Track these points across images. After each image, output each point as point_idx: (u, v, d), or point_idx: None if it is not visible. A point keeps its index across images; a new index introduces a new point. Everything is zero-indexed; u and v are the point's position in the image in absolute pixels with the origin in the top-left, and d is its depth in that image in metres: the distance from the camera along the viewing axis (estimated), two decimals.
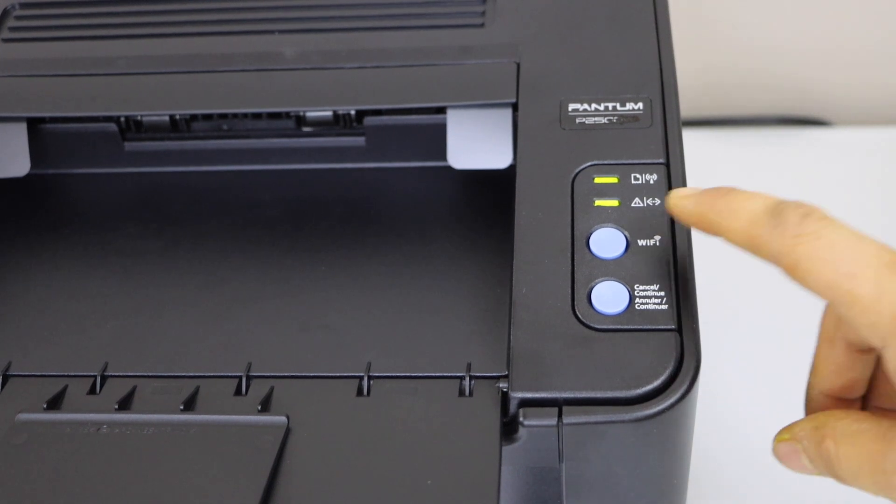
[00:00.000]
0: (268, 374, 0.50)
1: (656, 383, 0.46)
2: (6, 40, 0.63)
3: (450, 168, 0.59)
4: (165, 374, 0.50)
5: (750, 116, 0.94)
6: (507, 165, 0.58)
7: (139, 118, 0.61)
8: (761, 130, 0.93)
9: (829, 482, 0.57)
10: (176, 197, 0.61)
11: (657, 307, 0.48)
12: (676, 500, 0.51)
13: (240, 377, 0.50)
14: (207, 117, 0.61)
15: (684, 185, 0.52)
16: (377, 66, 0.59)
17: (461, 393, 0.48)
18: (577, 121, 0.55)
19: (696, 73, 0.90)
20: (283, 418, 0.47)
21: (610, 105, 0.55)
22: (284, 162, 0.62)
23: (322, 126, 0.61)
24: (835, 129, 0.93)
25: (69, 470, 0.46)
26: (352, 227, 0.58)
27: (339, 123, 0.61)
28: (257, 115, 0.61)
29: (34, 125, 0.61)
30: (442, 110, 0.59)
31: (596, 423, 0.46)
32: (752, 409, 0.69)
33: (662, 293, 0.48)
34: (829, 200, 0.83)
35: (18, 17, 0.64)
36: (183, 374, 0.50)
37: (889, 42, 0.92)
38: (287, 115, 0.61)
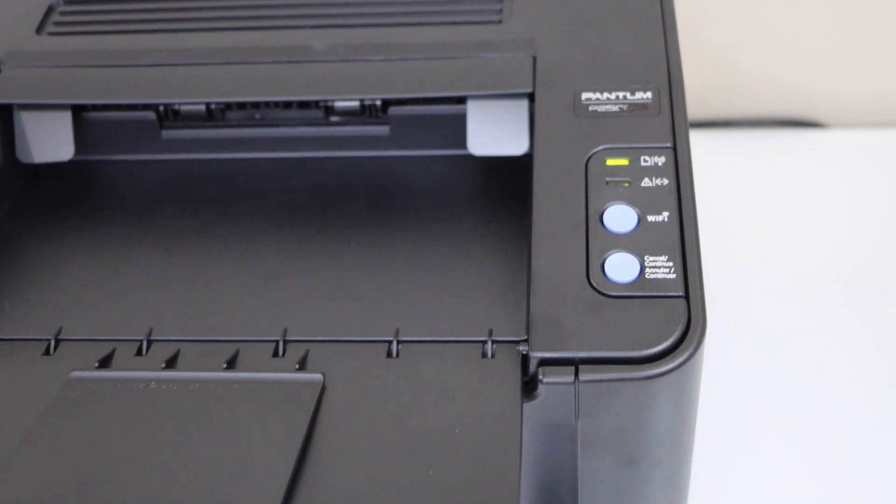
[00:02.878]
0: (303, 338, 0.54)
1: (666, 344, 0.50)
2: (51, 34, 0.67)
3: (470, 156, 0.63)
4: (207, 338, 0.54)
5: (746, 118, 0.98)
6: (524, 152, 0.62)
7: (177, 107, 0.65)
8: (757, 131, 0.97)
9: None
10: (211, 182, 0.65)
11: (666, 276, 0.52)
12: (683, 460, 0.55)
13: (277, 341, 0.53)
14: (241, 107, 0.65)
15: (690, 167, 0.56)
16: (402, 59, 0.63)
17: (484, 355, 0.52)
18: (590, 108, 0.59)
19: (694, 76, 0.94)
20: (320, 376, 0.51)
21: (621, 94, 0.59)
22: (313, 150, 0.66)
23: (349, 116, 0.65)
24: (829, 130, 0.97)
25: (120, 422, 0.49)
26: (378, 209, 0.62)
27: (365, 113, 0.65)
28: (288, 105, 0.65)
29: (78, 113, 0.65)
30: (462, 101, 0.63)
31: (610, 380, 0.49)
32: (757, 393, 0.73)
33: (671, 264, 0.52)
34: (824, 200, 0.88)
35: (62, 13, 0.68)
36: (224, 338, 0.54)
37: (881, 46, 0.97)
38: (316, 104, 0.65)
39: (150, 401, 0.50)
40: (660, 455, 0.53)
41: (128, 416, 0.49)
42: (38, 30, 0.67)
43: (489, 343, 0.52)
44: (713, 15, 0.94)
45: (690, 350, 0.50)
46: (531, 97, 0.61)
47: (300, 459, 0.47)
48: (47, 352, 0.54)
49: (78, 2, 0.69)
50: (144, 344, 0.54)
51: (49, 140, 0.64)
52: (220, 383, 0.51)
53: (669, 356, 0.49)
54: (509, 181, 0.63)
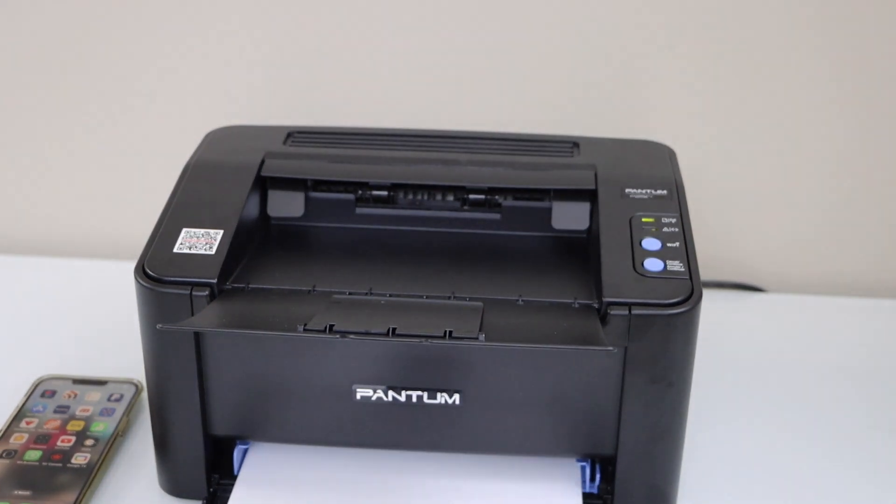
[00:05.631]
0: (464, 295, 0.91)
1: (679, 299, 0.87)
2: (291, 145, 1.08)
3: (549, 236, 1.02)
4: (407, 293, 0.91)
5: (708, 281, 1.26)
6: (584, 228, 1.01)
7: (369, 193, 1.04)
8: (715, 291, 1.29)
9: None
10: (387, 242, 1.03)
11: (678, 269, 0.90)
12: (685, 387, 0.91)
13: (450, 295, 0.90)
14: (407, 195, 1.05)
15: (689, 224, 0.95)
16: (514, 168, 1.03)
17: (572, 307, 0.89)
18: (631, 196, 0.99)
19: None
20: (481, 304, 0.88)
21: (648, 190, 1.00)
22: (451, 227, 1.04)
23: (475, 205, 1.04)
24: (768, 294, 1.33)
25: (366, 315, 0.85)
26: (494, 253, 1.01)
27: (486, 204, 1.04)
28: (435, 195, 1.04)
29: (306, 192, 1.04)
30: (548, 198, 1.03)
31: (648, 315, 0.87)
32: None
33: (681, 264, 0.91)
34: (761, 348, 1.25)
35: (297, 135, 1.10)
36: (417, 293, 0.91)
37: (816, 228, 1.32)
38: (456, 196, 1.04)
39: (383, 309, 0.87)
40: (672, 378, 0.90)
41: (368, 314, 0.86)
42: (284, 143, 1.08)
43: (575, 303, 0.90)
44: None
45: (692, 304, 0.88)
46: (594, 193, 1.01)
47: (481, 323, 0.83)
48: (309, 293, 0.91)
49: (306, 131, 1.10)
50: (370, 292, 0.91)
51: (288, 204, 1.03)
52: (423, 303, 0.88)
53: (681, 304, 0.87)
54: (570, 251, 1.02)
